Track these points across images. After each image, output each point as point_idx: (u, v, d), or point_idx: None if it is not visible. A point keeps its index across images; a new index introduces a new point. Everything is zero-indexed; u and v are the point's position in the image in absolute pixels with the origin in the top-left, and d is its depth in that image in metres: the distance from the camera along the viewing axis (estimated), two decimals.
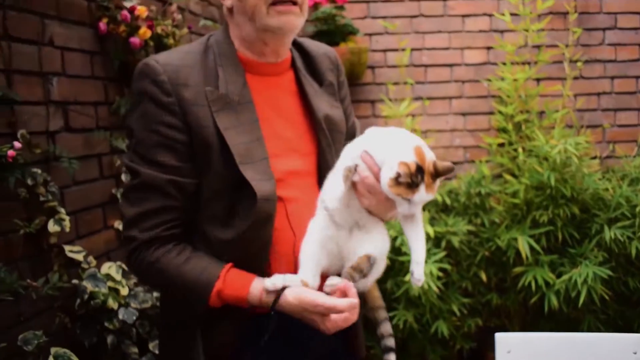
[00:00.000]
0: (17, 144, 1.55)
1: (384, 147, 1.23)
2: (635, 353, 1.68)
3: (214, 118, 1.21)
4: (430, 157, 1.21)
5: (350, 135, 1.47)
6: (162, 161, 1.21)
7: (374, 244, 1.29)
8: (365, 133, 1.33)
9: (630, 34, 3.20)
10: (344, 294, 1.23)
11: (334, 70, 1.44)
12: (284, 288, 1.21)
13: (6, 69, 1.60)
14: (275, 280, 1.21)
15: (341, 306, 1.20)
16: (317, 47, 1.45)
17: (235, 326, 1.26)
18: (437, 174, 1.19)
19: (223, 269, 1.21)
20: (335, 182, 1.26)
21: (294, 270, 1.26)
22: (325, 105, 1.37)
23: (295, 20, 1.26)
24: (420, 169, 1.17)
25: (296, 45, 1.41)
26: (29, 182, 1.64)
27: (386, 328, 1.39)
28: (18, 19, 1.64)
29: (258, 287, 1.21)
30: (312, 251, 1.26)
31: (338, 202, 1.24)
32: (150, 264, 1.22)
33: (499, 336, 1.72)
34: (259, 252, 1.24)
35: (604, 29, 3.20)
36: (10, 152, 1.52)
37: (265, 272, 1.25)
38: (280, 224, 1.25)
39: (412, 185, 1.17)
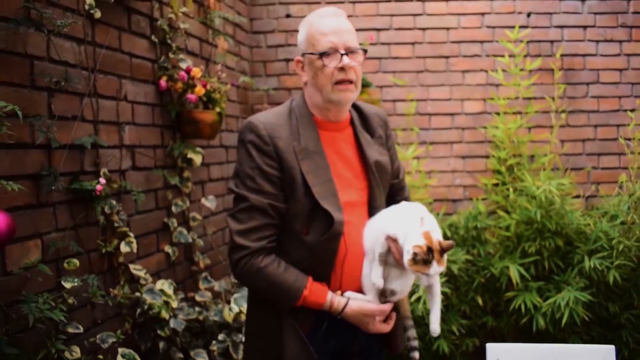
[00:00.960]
0: (102, 180, 1.95)
1: (403, 233, 1.61)
2: None
3: (299, 164, 1.63)
4: (436, 237, 1.58)
5: (395, 174, 1.88)
6: (265, 189, 1.61)
7: (401, 282, 1.70)
8: (388, 212, 1.72)
9: (611, 87, 3.57)
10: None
11: (383, 126, 1.85)
12: (348, 299, 1.65)
13: (94, 120, 2.01)
14: (348, 294, 1.67)
15: (387, 308, 1.68)
16: (371, 109, 1.87)
17: (312, 318, 1.66)
18: (442, 250, 1.56)
19: (308, 281, 1.62)
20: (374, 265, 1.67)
21: (341, 271, 1.68)
22: (375, 153, 1.78)
23: (351, 95, 1.69)
24: (430, 249, 1.54)
25: (355, 107, 1.83)
26: (107, 210, 2.03)
27: (412, 332, 1.79)
28: (104, 81, 2.07)
29: (330, 297, 1.63)
30: (371, 284, 1.68)
31: (381, 279, 1.66)
32: (259, 269, 1.60)
33: (490, 346, 2.03)
34: (328, 258, 1.65)
35: (587, 83, 3.57)
36: (99, 187, 1.92)
37: (328, 275, 1.66)
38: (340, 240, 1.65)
39: (427, 262, 1.55)
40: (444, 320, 3.01)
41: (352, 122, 1.79)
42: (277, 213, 1.63)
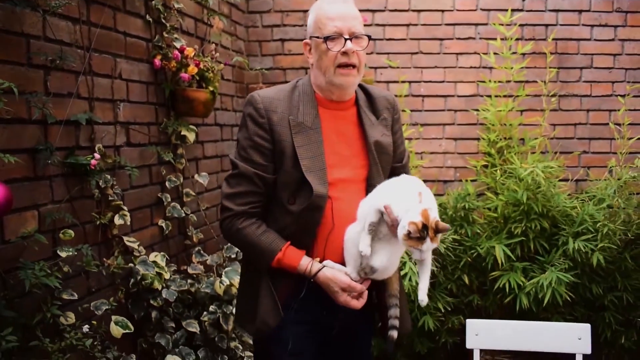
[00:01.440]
0: (97, 155, 2.03)
1: (401, 206, 1.64)
2: (580, 339, 2.04)
3: (292, 137, 1.71)
4: (434, 216, 1.62)
5: (399, 159, 1.93)
6: (253, 159, 1.72)
7: (383, 259, 1.72)
8: (386, 184, 1.75)
9: (604, 72, 3.59)
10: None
11: (390, 110, 1.91)
12: (324, 266, 1.72)
13: (89, 97, 2.08)
14: (325, 262, 1.73)
15: (357, 287, 1.72)
16: (379, 92, 1.93)
17: (292, 282, 1.75)
18: (437, 230, 1.61)
19: (285, 245, 1.72)
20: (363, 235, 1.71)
21: (324, 244, 1.74)
22: (377, 133, 1.83)
23: (353, 80, 1.76)
24: (425, 227, 1.58)
25: (363, 88, 1.89)
26: (102, 184, 2.11)
27: (394, 311, 1.83)
28: (99, 59, 2.13)
29: (305, 261, 1.72)
30: (355, 253, 1.72)
31: (368, 247, 1.70)
32: (238, 229, 1.73)
33: (470, 322, 2.11)
34: (309, 229, 1.73)
35: (581, 68, 3.59)
36: (93, 162, 2.00)
37: (311, 245, 1.74)
38: (326, 214, 1.73)
39: (420, 239, 1.59)
40: (430, 297, 3.09)
41: (357, 102, 1.86)
42: (263, 182, 1.73)
